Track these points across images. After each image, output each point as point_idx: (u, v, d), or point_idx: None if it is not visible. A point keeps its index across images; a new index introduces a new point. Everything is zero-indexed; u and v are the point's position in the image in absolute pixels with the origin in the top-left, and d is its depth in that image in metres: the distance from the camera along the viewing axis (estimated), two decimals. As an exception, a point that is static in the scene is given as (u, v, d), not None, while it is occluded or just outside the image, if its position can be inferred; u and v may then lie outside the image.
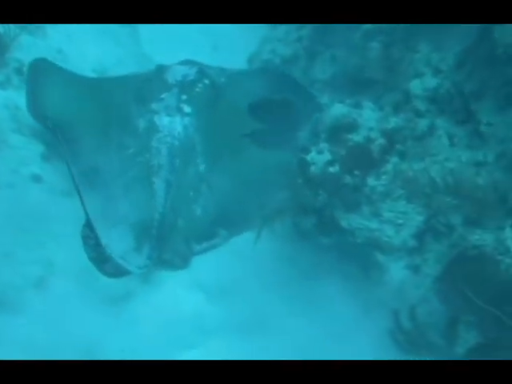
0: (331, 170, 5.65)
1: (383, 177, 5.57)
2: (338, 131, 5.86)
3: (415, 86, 5.85)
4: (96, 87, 6.57)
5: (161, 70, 6.47)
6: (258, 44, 8.56)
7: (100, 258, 5.68)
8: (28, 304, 5.70)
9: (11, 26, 7.39)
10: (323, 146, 5.76)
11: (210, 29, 8.03)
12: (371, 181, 5.60)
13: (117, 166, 6.05)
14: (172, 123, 6.16)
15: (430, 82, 5.80)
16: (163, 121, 6.17)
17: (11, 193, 6.17)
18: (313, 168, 5.71)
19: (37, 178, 6.44)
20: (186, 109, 6.25)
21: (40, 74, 6.54)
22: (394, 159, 5.65)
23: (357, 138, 5.79)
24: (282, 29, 8.45)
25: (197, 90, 6.38)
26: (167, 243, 5.79)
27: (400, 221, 5.38)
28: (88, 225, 5.64)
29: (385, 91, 6.26)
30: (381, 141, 5.74)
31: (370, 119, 5.98)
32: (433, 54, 5.90)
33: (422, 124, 5.66)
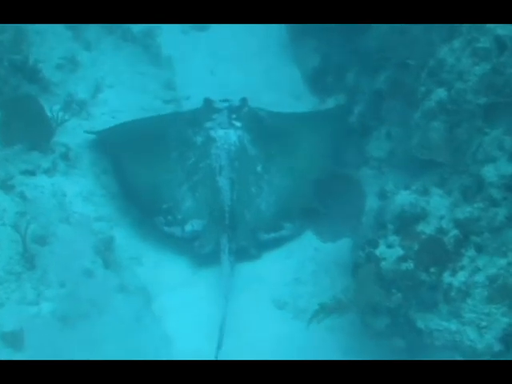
0: (405, 266, 5.09)
1: (460, 272, 5.01)
2: (407, 222, 5.34)
3: (489, 172, 5.29)
4: (152, 123, 7.18)
5: (209, 101, 7.00)
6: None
7: (188, 237, 6.33)
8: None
9: (59, 111, 7.03)
10: (393, 239, 5.26)
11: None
12: (447, 277, 5.04)
13: (181, 175, 6.57)
14: (227, 134, 6.67)
15: (506, 168, 5.24)
16: (219, 133, 6.68)
17: (62, 292, 5.67)
18: (383, 264, 5.16)
19: (89, 273, 5.94)
20: (237, 124, 6.76)
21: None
22: (471, 253, 5.10)
23: (428, 229, 5.25)
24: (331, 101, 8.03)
25: (243, 111, 6.90)
26: (239, 233, 6.22)
27: (483, 323, 4.82)
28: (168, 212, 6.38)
29: (451, 174, 5.72)
30: (454, 232, 5.20)
31: (439, 207, 5.49)
32: (505, 136, 5.34)
33: (500, 214, 5.08)
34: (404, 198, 5.53)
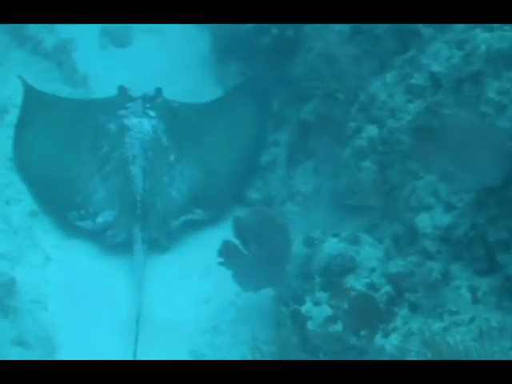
0: (333, 328, 4.49)
1: (393, 335, 4.45)
2: (336, 275, 4.77)
3: (423, 222, 4.75)
4: (64, 107, 6.99)
5: (123, 89, 6.86)
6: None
7: (99, 229, 6.15)
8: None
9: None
10: (320, 295, 4.65)
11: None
12: (379, 339, 4.46)
13: (93, 165, 6.38)
14: (141, 123, 6.50)
15: (442, 219, 4.70)
16: (132, 121, 6.51)
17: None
18: (310, 324, 4.55)
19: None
20: (151, 113, 6.59)
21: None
22: (404, 312, 4.54)
23: (358, 284, 4.68)
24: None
25: (158, 101, 6.74)
26: (151, 222, 6.06)
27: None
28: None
29: (382, 220, 5.16)
30: (387, 288, 4.64)
31: (370, 258, 4.91)
32: (441, 183, 4.80)
33: (435, 269, 4.54)
34: (332, 247, 4.96)
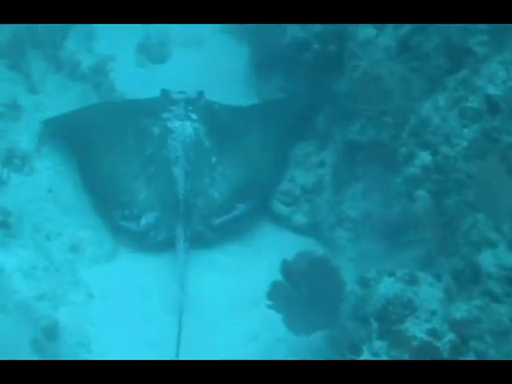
0: (394, 383, 4.09)
1: (459, 387, 4.02)
2: (394, 320, 4.33)
3: (486, 261, 4.31)
4: (108, 110, 7.10)
5: (166, 92, 6.89)
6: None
7: (142, 231, 6.23)
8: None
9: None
10: (379, 345, 4.25)
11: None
12: (444, 392, 4.04)
13: (137, 166, 6.48)
14: (183, 126, 6.59)
15: (507, 258, 4.26)
16: (175, 124, 6.60)
17: None
18: (370, 377, 4.14)
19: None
20: (193, 116, 6.67)
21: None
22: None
23: (419, 331, 4.27)
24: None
25: (200, 103, 6.81)
26: (193, 220, 6.17)
27: None
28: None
29: (439, 254, 4.73)
30: (450, 336, 4.22)
31: (430, 299, 4.49)
32: (504, 217, 4.36)
33: (503, 315, 4.10)
34: (388, 288, 4.55)
